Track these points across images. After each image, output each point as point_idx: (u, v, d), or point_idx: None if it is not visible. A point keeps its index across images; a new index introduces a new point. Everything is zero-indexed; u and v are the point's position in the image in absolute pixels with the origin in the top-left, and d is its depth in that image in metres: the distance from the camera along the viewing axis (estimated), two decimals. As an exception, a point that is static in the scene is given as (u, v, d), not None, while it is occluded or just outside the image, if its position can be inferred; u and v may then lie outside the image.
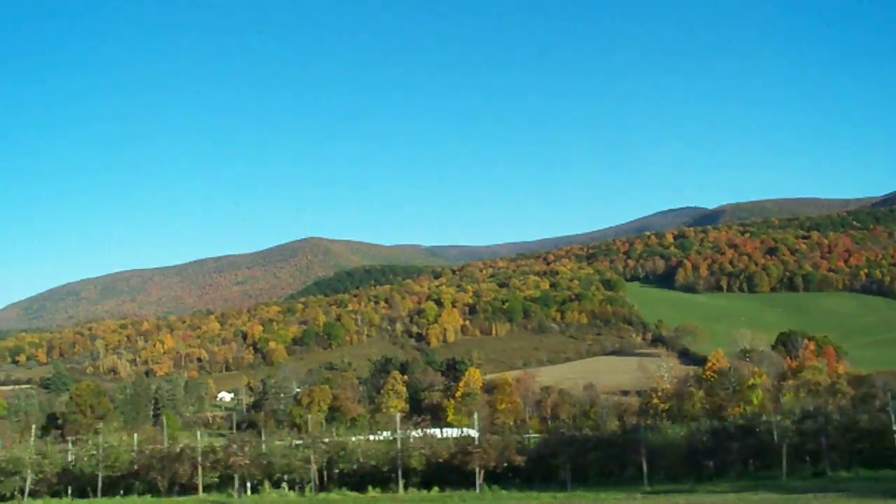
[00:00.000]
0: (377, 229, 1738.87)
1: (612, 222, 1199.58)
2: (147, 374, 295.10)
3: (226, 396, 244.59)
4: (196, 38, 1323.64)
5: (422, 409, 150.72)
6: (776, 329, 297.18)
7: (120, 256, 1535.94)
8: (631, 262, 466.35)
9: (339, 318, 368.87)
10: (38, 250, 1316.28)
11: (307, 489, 35.56)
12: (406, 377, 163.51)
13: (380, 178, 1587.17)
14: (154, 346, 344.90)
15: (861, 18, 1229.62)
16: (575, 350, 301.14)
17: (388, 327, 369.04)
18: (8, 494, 36.74)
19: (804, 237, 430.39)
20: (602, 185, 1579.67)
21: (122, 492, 37.57)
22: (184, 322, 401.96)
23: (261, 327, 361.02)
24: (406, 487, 34.76)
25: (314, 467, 35.61)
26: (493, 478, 34.51)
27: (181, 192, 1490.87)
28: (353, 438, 38.27)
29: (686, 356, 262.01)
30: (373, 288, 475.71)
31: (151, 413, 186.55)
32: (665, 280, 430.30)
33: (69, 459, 38.92)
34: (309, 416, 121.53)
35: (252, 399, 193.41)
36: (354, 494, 34.54)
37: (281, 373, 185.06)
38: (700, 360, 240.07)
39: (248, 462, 35.19)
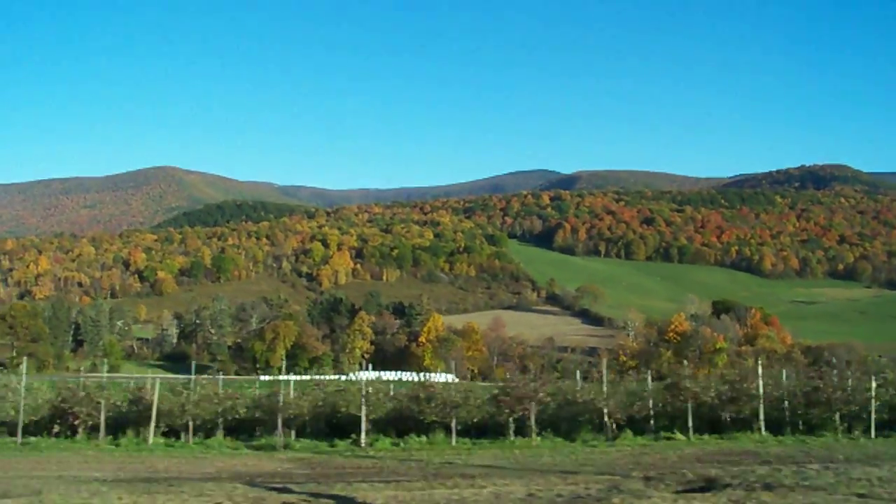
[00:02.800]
0: (230, 163, 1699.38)
1: (462, 178, 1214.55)
2: (24, 296, 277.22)
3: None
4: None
5: (386, 353, 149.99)
6: (655, 296, 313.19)
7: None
8: (508, 220, 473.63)
9: (223, 252, 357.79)
10: None
11: None
12: (373, 319, 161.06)
13: (236, 111, 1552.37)
14: (28, 267, 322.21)
15: (728, 8, 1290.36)
16: (472, 302, 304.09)
17: (274, 265, 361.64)
18: None
19: (678, 210, 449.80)
20: (452, 139, 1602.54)
21: None
22: (52, 244, 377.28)
23: (144, 255, 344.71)
24: None
25: None
26: None
27: (27, 108, 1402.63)
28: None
29: (587, 317, 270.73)
30: (245, 223, 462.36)
31: (71, 339, 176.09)
32: (542, 240, 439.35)
33: None
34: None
35: (179, 329, 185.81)
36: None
37: (216, 305, 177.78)
38: (601, 322, 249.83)
39: None
